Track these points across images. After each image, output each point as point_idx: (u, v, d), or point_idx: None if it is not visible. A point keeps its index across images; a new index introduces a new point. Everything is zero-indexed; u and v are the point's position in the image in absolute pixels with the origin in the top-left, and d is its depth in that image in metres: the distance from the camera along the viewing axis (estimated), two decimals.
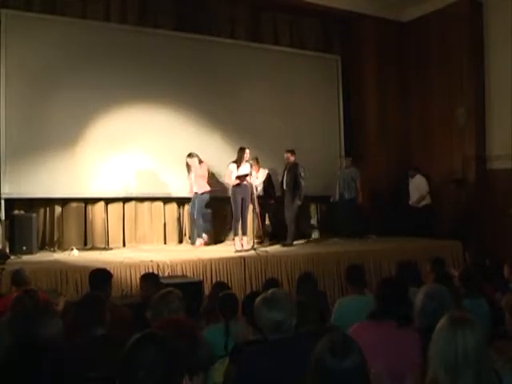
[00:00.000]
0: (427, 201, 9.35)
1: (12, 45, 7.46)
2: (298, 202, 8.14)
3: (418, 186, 9.39)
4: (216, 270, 6.59)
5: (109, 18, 8.37)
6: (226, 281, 6.57)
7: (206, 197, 7.93)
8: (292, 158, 8.18)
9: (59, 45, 7.80)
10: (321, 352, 1.86)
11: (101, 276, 4.40)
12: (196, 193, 7.90)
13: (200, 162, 7.88)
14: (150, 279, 4.79)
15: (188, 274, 6.38)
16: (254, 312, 2.63)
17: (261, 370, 2.41)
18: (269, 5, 9.49)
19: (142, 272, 6.17)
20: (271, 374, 2.38)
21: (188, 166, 7.92)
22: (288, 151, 8.21)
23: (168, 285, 4.76)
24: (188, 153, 7.89)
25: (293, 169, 8.12)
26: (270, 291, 2.67)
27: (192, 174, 7.89)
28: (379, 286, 3.17)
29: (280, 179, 8.55)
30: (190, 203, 8.10)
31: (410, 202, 9.49)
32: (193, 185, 7.93)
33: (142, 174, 8.21)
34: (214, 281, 6.51)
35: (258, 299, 2.63)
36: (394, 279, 3.41)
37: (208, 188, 7.93)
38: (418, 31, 9.98)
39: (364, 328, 2.87)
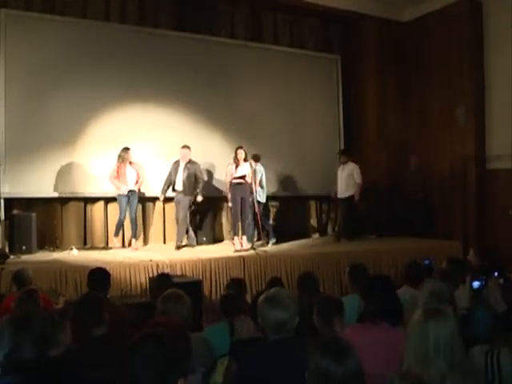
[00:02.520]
0: (350, 192, 8.66)
1: (12, 44, 7.45)
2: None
3: (351, 174, 8.61)
4: (215, 269, 6.59)
5: (109, 17, 8.36)
6: (225, 280, 6.57)
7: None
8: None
9: (59, 44, 7.79)
10: (320, 357, 1.86)
11: (99, 275, 4.40)
12: (134, 191, 7.52)
13: (130, 160, 7.57)
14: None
15: (187, 274, 6.38)
16: (256, 311, 2.60)
17: (261, 369, 2.40)
18: (269, 5, 9.48)
19: (142, 272, 6.20)
20: (271, 373, 2.37)
21: (124, 161, 7.50)
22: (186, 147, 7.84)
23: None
24: (126, 147, 7.56)
25: (192, 166, 7.82)
26: (272, 290, 2.65)
27: (129, 170, 7.53)
28: (366, 285, 3.14)
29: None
30: (126, 202, 7.49)
31: (339, 195, 8.75)
32: (128, 182, 7.47)
33: (141, 174, 8.18)
34: (213, 280, 6.52)
35: (261, 298, 2.60)
36: (380, 278, 3.37)
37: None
38: (417, 31, 9.97)
39: (356, 331, 2.85)
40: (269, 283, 4.84)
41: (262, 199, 8.18)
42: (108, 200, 8.13)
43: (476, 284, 3.39)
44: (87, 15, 8.15)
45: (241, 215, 7.70)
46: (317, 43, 10.25)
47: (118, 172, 7.46)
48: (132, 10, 8.56)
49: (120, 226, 7.58)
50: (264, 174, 8.21)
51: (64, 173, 7.79)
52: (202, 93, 8.70)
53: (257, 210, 7.68)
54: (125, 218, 7.56)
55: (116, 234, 7.61)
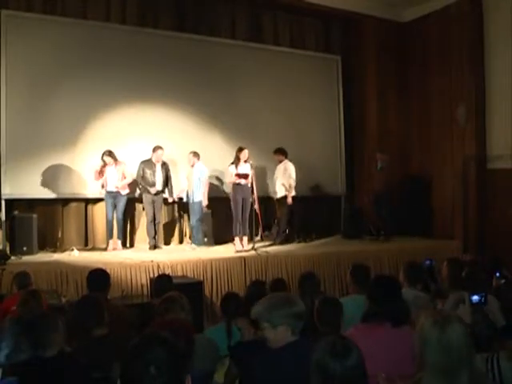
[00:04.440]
0: (283, 192, 8.36)
1: (12, 45, 7.45)
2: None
3: (283, 173, 8.34)
4: (216, 270, 6.59)
5: (109, 18, 8.36)
6: (226, 281, 6.58)
7: (126, 198, 7.74)
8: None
9: (59, 45, 7.80)
10: (322, 354, 1.87)
11: (98, 276, 4.39)
12: (118, 192, 7.57)
13: (116, 160, 7.59)
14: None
15: (188, 275, 6.39)
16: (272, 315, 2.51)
17: (264, 371, 2.40)
18: (269, 5, 9.48)
19: (143, 272, 6.20)
20: (275, 376, 2.37)
21: (106, 164, 7.51)
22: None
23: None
24: (109, 150, 7.55)
25: (165, 166, 7.92)
26: (282, 294, 2.63)
27: (111, 171, 7.54)
28: (371, 285, 3.12)
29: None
30: (111, 203, 7.58)
31: (274, 195, 8.51)
32: (109, 183, 7.52)
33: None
34: (214, 281, 6.52)
35: (271, 299, 2.56)
36: (385, 278, 3.36)
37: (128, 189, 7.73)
38: (418, 31, 9.97)
39: (360, 331, 2.84)
40: (272, 285, 4.83)
41: (202, 199, 7.92)
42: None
43: (475, 298, 3.37)
44: (88, 16, 8.16)
45: (242, 216, 7.69)
46: (317, 43, 10.25)
47: (99, 173, 7.51)
48: (132, 11, 8.55)
49: (110, 227, 7.60)
50: (207, 173, 8.00)
51: (65, 174, 7.79)
52: (202, 93, 8.70)
53: (257, 210, 7.67)
54: (112, 218, 7.59)
55: (110, 236, 7.62)
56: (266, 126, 9.25)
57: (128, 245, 8.14)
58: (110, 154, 7.54)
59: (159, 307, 3.38)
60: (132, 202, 8.15)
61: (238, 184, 7.66)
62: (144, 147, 8.11)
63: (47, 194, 7.70)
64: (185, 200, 8.12)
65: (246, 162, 7.69)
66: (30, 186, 7.52)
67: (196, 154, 7.89)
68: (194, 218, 7.85)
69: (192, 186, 7.83)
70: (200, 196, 7.81)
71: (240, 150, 7.73)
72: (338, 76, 10.29)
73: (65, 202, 7.99)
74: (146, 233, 7.91)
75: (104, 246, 7.89)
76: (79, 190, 7.91)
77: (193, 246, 7.78)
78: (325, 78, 10.18)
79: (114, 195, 7.59)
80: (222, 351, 3.25)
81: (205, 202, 7.89)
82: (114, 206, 7.62)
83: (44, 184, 7.64)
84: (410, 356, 2.73)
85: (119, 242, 7.70)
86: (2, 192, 7.36)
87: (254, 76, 9.33)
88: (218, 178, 8.76)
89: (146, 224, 7.92)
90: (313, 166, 9.53)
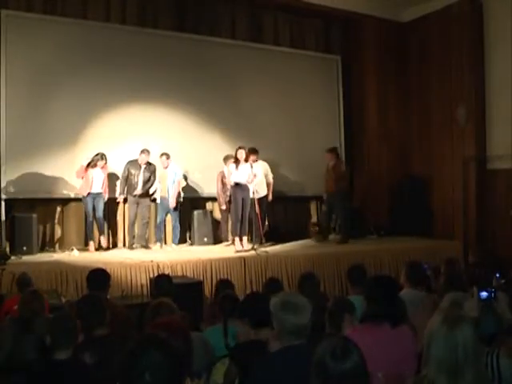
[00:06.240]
0: (264, 192, 8.31)
1: (12, 45, 7.45)
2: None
3: (264, 172, 8.24)
4: (216, 270, 6.58)
5: (109, 18, 8.37)
6: None
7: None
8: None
9: (59, 45, 7.80)
10: (322, 355, 1.87)
11: (98, 276, 4.39)
12: (99, 193, 7.54)
13: (105, 163, 7.59)
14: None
15: (188, 275, 6.39)
16: (272, 315, 2.50)
17: (264, 372, 2.39)
18: (269, 5, 9.49)
19: (143, 272, 6.20)
20: (275, 376, 2.36)
21: (94, 166, 7.49)
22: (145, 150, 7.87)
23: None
24: (103, 153, 7.54)
25: (149, 168, 7.89)
26: (289, 294, 2.60)
27: (97, 174, 7.50)
28: (370, 286, 3.12)
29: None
30: (91, 204, 7.50)
31: (262, 195, 8.19)
32: (94, 186, 7.48)
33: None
34: (214, 281, 6.51)
35: (277, 302, 2.51)
36: (383, 278, 3.35)
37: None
38: (418, 31, 9.98)
39: (359, 331, 2.84)
40: (266, 284, 4.83)
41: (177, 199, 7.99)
42: (108, 201, 8.11)
43: (484, 294, 3.38)
44: (88, 16, 8.16)
45: (241, 215, 7.68)
46: (317, 43, 10.25)
47: (83, 172, 7.47)
48: (132, 11, 8.56)
49: (91, 228, 7.59)
50: (180, 174, 8.04)
51: (65, 173, 7.79)
52: (202, 93, 8.70)
53: (257, 210, 7.67)
54: (93, 220, 7.58)
55: (91, 238, 7.59)
56: (266, 126, 9.26)
57: (111, 245, 8.09)
58: (103, 156, 7.54)
59: (148, 313, 3.36)
60: (115, 202, 8.08)
61: (238, 184, 7.65)
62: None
63: (47, 193, 7.70)
64: (158, 202, 8.06)
65: (246, 161, 7.67)
66: (29, 185, 7.52)
67: (168, 156, 7.91)
68: (174, 219, 7.98)
69: (167, 187, 7.88)
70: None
71: (236, 149, 7.71)
72: (337, 76, 10.29)
73: (65, 202, 7.99)
74: (127, 232, 7.93)
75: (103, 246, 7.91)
76: (79, 190, 7.90)
77: (173, 246, 7.89)
78: (325, 78, 10.18)
79: (94, 196, 7.52)
80: (219, 352, 3.25)
81: (173, 204, 7.88)
82: (93, 208, 7.57)
83: (44, 184, 7.64)
84: (409, 356, 2.74)
85: (103, 238, 7.71)
86: (2, 192, 7.36)
87: (254, 76, 9.33)
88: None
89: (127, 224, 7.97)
90: (313, 166, 9.53)
